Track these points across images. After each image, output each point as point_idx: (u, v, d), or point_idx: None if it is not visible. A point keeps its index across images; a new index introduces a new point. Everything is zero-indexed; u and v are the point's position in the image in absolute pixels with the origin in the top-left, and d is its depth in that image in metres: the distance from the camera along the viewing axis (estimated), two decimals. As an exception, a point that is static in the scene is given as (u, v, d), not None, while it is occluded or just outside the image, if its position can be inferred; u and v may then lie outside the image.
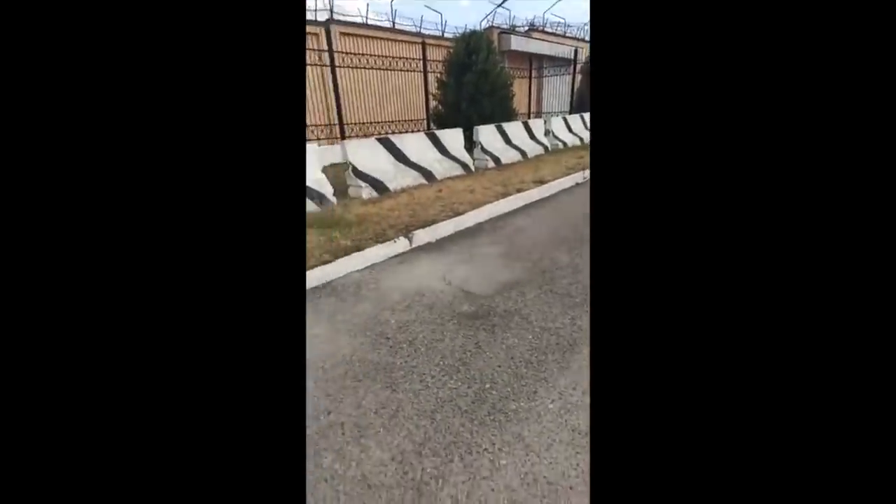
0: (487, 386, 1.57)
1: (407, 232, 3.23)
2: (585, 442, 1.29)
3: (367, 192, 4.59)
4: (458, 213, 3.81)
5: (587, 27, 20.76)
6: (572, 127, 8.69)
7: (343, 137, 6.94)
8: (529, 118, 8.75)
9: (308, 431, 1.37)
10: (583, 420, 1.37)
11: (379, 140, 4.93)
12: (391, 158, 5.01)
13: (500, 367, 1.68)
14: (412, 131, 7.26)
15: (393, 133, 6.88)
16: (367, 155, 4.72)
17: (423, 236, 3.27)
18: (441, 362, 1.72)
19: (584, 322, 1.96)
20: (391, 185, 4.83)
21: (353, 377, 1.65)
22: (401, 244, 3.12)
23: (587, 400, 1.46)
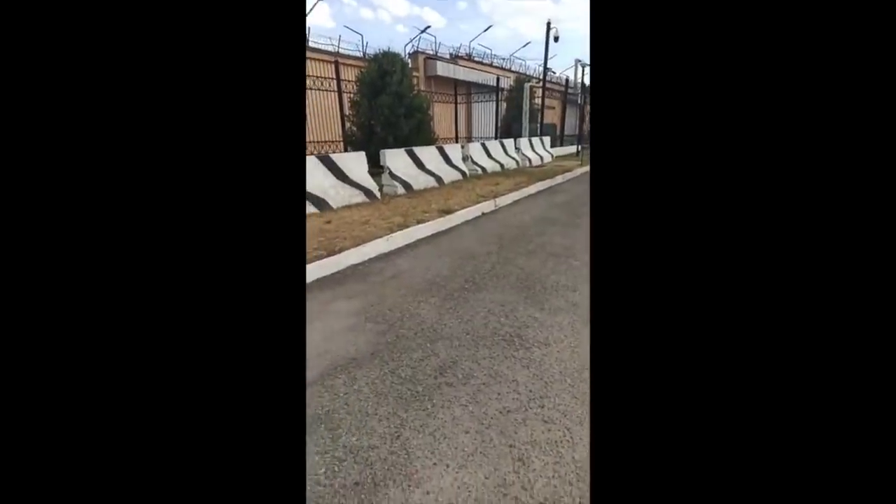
0: None
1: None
2: None
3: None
4: (332, 252, 3.15)
5: (514, 57, 21.83)
6: (492, 152, 8.51)
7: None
8: (459, 143, 8.37)
9: None
10: None
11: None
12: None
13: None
14: (330, 153, 6.55)
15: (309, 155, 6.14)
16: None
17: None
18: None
19: (411, 432, 1.36)
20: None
21: None
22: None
23: None
